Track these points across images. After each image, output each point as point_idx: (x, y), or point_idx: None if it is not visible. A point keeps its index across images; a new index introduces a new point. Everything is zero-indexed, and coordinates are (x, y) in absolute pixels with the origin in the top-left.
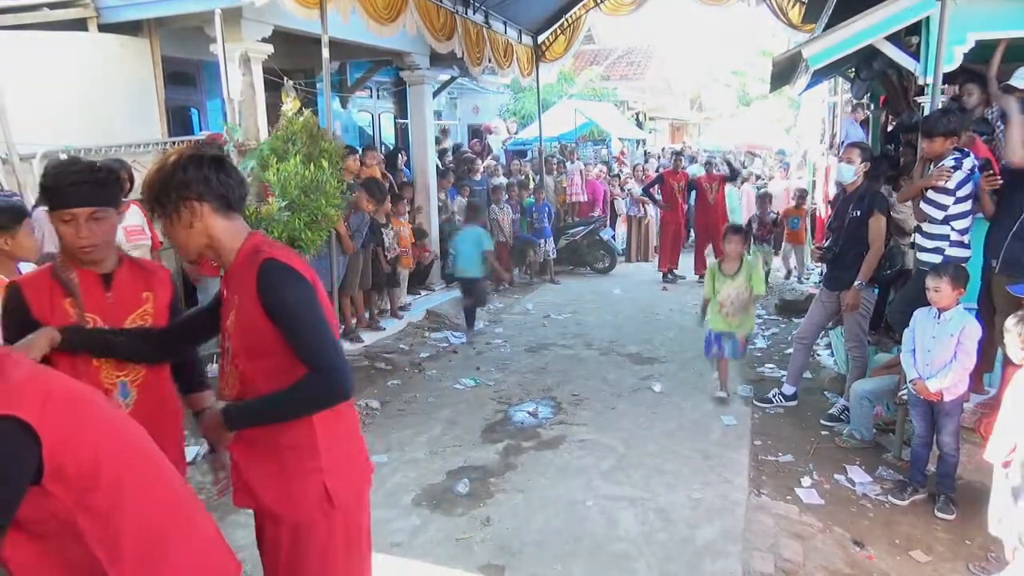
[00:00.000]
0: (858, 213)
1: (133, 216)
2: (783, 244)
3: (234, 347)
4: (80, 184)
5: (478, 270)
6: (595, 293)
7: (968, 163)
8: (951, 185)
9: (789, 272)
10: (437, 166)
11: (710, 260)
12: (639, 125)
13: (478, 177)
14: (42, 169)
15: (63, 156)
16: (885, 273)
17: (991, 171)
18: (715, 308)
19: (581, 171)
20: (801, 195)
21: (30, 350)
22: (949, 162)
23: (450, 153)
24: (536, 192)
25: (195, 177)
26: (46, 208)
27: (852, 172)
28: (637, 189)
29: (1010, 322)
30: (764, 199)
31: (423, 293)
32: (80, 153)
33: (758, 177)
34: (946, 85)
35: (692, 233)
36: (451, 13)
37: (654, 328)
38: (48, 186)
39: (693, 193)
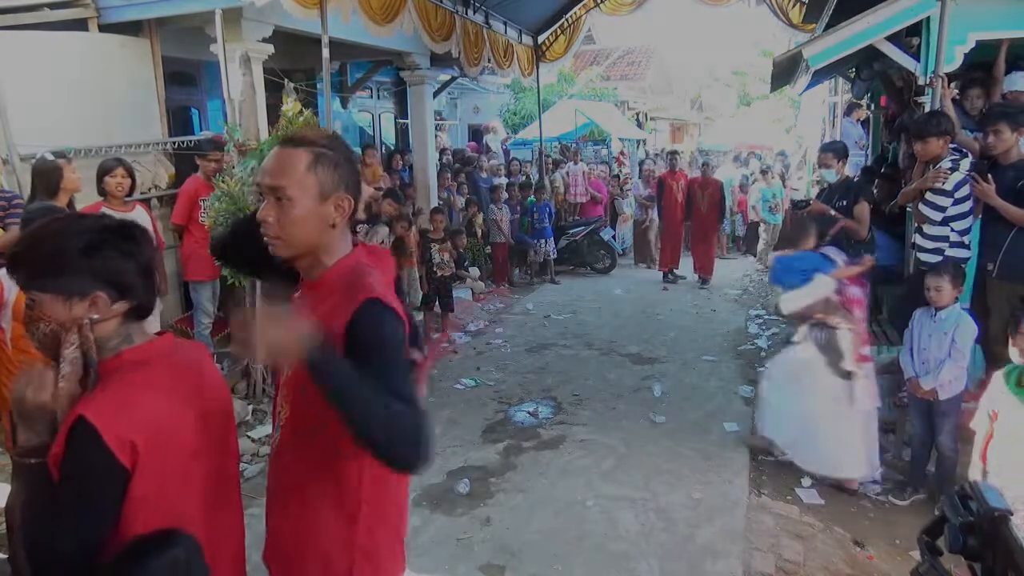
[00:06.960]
0: (844, 203)
1: (139, 216)
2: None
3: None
4: None
5: None
6: (595, 293)
7: (966, 164)
8: (948, 187)
9: None
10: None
11: None
12: (639, 125)
13: (484, 175)
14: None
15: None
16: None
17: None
18: None
19: (584, 171)
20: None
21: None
22: (946, 164)
23: (449, 154)
24: (536, 192)
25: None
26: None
27: (834, 174)
28: (643, 189)
29: None
30: None
31: None
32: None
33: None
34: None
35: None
36: (450, 13)
37: (654, 328)
38: None
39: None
